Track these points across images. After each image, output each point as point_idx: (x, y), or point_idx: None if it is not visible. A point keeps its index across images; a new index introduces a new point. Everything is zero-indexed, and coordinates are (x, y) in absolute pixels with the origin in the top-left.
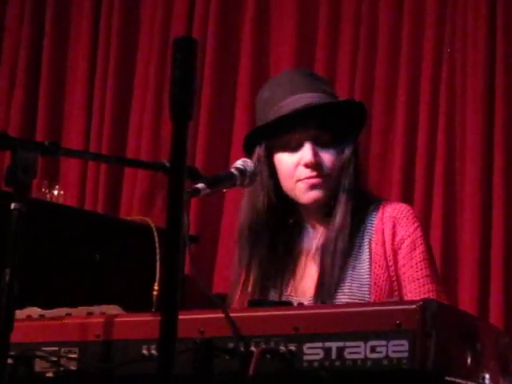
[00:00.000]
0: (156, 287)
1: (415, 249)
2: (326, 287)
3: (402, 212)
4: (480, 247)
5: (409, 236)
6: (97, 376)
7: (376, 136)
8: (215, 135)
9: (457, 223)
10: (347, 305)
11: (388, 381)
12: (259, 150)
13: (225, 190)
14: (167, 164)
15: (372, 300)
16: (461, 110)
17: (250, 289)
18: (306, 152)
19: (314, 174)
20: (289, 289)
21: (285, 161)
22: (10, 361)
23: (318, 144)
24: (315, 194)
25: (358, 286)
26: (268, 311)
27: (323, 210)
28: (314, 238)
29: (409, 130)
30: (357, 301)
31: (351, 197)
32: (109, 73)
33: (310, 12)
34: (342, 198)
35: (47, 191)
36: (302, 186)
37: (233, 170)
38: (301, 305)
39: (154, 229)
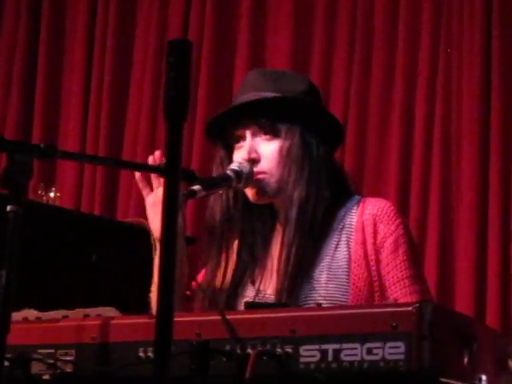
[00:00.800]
0: (153, 289)
1: (398, 248)
2: (296, 288)
3: (383, 209)
4: (476, 249)
5: (391, 234)
6: (93, 378)
7: (371, 139)
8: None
9: (453, 225)
10: (343, 307)
11: (384, 383)
12: (218, 153)
13: (221, 192)
14: (163, 166)
15: (350, 301)
16: (456, 113)
17: (226, 284)
18: (244, 148)
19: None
20: (261, 286)
21: (234, 158)
22: (6, 363)
23: (261, 139)
24: (255, 192)
25: (336, 286)
26: (264, 313)
27: (293, 208)
28: (287, 234)
29: (404, 133)
30: (334, 301)
31: (321, 192)
32: (105, 75)
33: (306, 16)
34: (312, 194)
35: (43, 193)
36: None
37: (228, 171)
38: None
39: (150, 231)
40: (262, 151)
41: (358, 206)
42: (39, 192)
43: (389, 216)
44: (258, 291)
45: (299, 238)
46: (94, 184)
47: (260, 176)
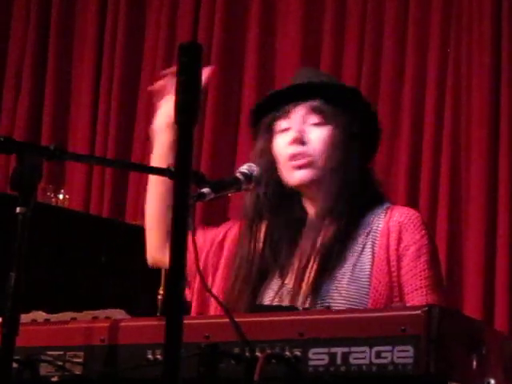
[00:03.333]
0: (161, 291)
1: (420, 256)
2: (319, 284)
3: (410, 218)
4: (485, 252)
5: (415, 243)
6: (102, 380)
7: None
8: (220, 140)
9: (462, 228)
10: (352, 310)
11: None
12: (260, 139)
13: (230, 195)
14: (172, 169)
15: (370, 304)
16: (466, 114)
17: (252, 275)
18: (293, 129)
19: (300, 150)
20: (286, 279)
21: (278, 142)
22: (15, 365)
23: (309, 123)
24: (302, 174)
25: (357, 288)
26: (273, 316)
27: (325, 205)
28: (316, 232)
29: (414, 133)
30: (354, 303)
31: (355, 193)
32: (114, 77)
33: (315, 19)
34: (346, 194)
35: (52, 195)
36: (289, 165)
37: (238, 174)
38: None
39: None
40: (310, 135)
41: (385, 213)
42: (48, 194)
43: (415, 225)
44: (282, 285)
45: (327, 235)
46: (103, 186)
47: (305, 159)
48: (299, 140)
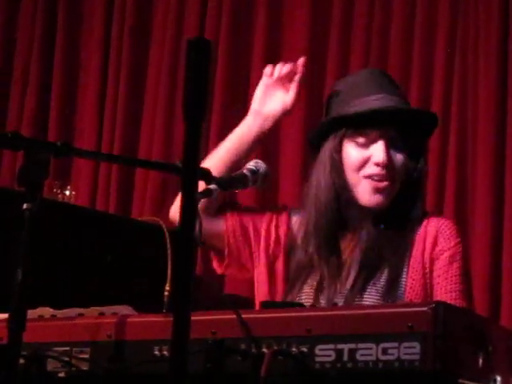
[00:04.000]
0: (167, 288)
1: (453, 263)
2: (362, 289)
3: (447, 225)
4: (491, 251)
5: (449, 249)
6: (108, 376)
7: None
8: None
9: (468, 227)
10: (359, 306)
11: (400, 383)
12: (333, 141)
13: (237, 191)
14: (180, 165)
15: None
16: (472, 113)
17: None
18: (380, 150)
19: (383, 173)
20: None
21: (354, 154)
22: (22, 361)
23: (392, 146)
24: (379, 199)
25: (393, 286)
26: (280, 312)
27: (380, 217)
28: (360, 240)
29: None
30: (390, 300)
31: (417, 217)
32: (121, 73)
33: (323, 16)
34: (413, 214)
35: (59, 191)
36: (367, 184)
37: (245, 171)
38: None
39: (165, 230)
40: (394, 159)
41: (423, 221)
42: (55, 190)
43: (451, 232)
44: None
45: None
46: (110, 182)
47: (388, 182)
48: (385, 164)
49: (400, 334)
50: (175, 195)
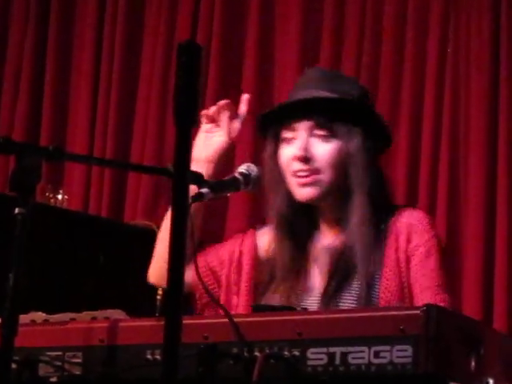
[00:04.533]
0: (160, 292)
1: (429, 257)
2: (336, 290)
3: (419, 219)
4: (483, 252)
5: (423, 244)
6: (101, 381)
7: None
8: None
9: (460, 227)
10: (351, 310)
11: None
12: (270, 146)
13: (229, 195)
14: (171, 169)
15: (381, 304)
16: (464, 113)
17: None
18: (297, 145)
19: (304, 167)
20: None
21: (283, 154)
22: (14, 365)
23: (316, 137)
24: (308, 192)
25: (367, 289)
26: (272, 316)
27: (335, 216)
28: (326, 239)
29: (412, 134)
30: (364, 304)
31: (366, 201)
32: (113, 77)
33: (315, 16)
34: (357, 201)
35: (51, 195)
36: (294, 181)
37: (237, 174)
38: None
39: (157, 233)
40: (315, 150)
41: (394, 214)
42: (47, 194)
43: (424, 226)
44: (303, 292)
45: (344, 242)
46: (102, 186)
47: (311, 177)
48: (302, 158)
49: (392, 337)
50: (167, 199)
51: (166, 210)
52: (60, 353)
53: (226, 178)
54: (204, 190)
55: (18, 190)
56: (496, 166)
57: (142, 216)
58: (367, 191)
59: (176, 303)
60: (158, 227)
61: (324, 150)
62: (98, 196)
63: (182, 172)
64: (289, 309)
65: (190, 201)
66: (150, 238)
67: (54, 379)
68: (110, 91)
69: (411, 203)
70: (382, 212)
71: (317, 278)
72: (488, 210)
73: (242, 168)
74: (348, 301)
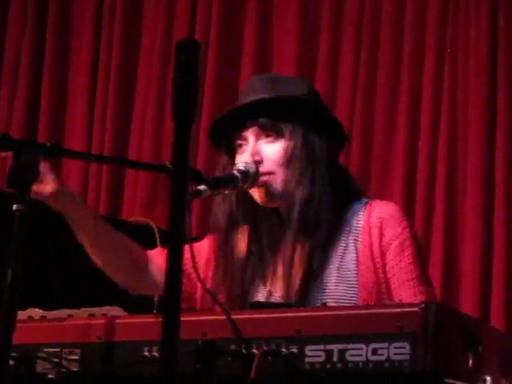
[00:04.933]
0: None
1: (404, 250)
2: (306, 290)
3: (390, 212)
4: (481, 251)
5: (397, 237)
6: (98, 377)
7: (377, 145)
8: None
9: (458, 226)
10: (349, 307)
11: (390, 383)
12: (221, 158)
13: (227, 192)
14: (169, 166)
15: (359, 303)
16: (462, 117)
17: (236, 287)
18: (247, 151)
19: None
20: (272, 288)
21: (236, 161)
22: (11, 362)
23: (263, 140)
24: (264, 194)
25: (345, 288)
26: (270, 313)
27: (298, 213)
28: (295, 238)
29: (410, 137)
30: (343, 304)
31: (327, 196)
32: (111, 74)
33: (312, 23)
34: (317, 199)
35: None
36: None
37: (235, 171)
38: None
39: (155, 230)
40: (265, 152)
41: (365, 209)
42: None
43: (395, 219)
44: (269, 293)
45: (304, 239)
46: (100, 183)
47: (265, 177)
48: (255, 162)
49: (390, 335)
50: (165, 196)
51: (164, 207)
52: (57, 349)
53: (224, 174)
54: (202, 187)
55: (16, 186)
56: (493, 168)
57: (140, 213)
58: (309, 186)
59: (174, 300)
60: (156, 224)
61: (272, 150)
62: (95, 193)
63: (181, 169)
64: (286, 306)
65: (189, 198)
66: (148, 234)
67: (51, 376)
68: (107, 88)
69: (408, 204)
70: (345, 205)
71: (293, 281)
72: (486, 210)
73: (240, 165)
74: (327, 303)
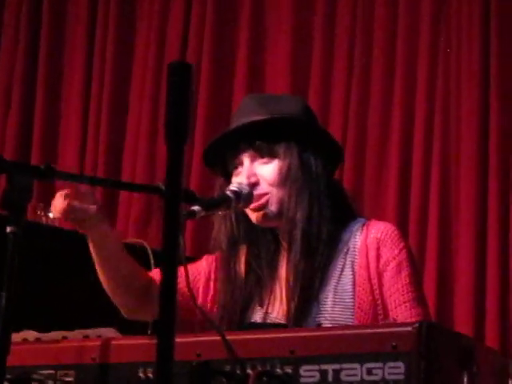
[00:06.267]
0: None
1: (401, 272)
2: (304, 311)
3: (387, 233)
4: (475, 269)
5: (394, 258)
6: None
7: (370, 160)
8: None
9: (452, 244)
10: (343, 327)
11: None
12: (218, 181)
13: (220, 213)
14: (162, 187)
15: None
16: (455, 128)
17: (235, 307)
18: (243, 174)
19: (256, 193)
20: (269, 309)
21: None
22: None
23: (258, 162)
24: (258, 216)
25: (341, 309)
26: (264, 334)
27: (295, 233)
28: (292, 258)
29: (403, 152)
30: (340, 324)
31: (323, 215)
32: (104, 93)
33: (305, 36)
34: (314, 218)
35: (42, 214)
36: (248, 208)
37: (228, 192)
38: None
39: (149, 251)
40: (260, 173)
41: (362, 229)
42: (38, 212)
43: (392, 240)
44: (266, 314)
45: (305, 259)
46: None
47: (262, 199)
48: (251, 184)
49: (384, 354)
50: (159, 216)
51: (158, 228)
52: (52, 371)
53: (218, 195)
54: (196, 208)
55: (10, 208)
56: (487, 186)
57: (134, 234)
58: (308, 206)
59: (169, 321)
60: (150, 245)
61: (267, 171)
62: None
63: (174, 190)
64: (281, 326)
65: (182, 219)
66: (142, 255)
67: None
68: (101, 107)
69: (402, 221)
70: (342, 225)
71: (284, 301)
72: (479, 226)
73: (233, 186)
74: (323, 324)
